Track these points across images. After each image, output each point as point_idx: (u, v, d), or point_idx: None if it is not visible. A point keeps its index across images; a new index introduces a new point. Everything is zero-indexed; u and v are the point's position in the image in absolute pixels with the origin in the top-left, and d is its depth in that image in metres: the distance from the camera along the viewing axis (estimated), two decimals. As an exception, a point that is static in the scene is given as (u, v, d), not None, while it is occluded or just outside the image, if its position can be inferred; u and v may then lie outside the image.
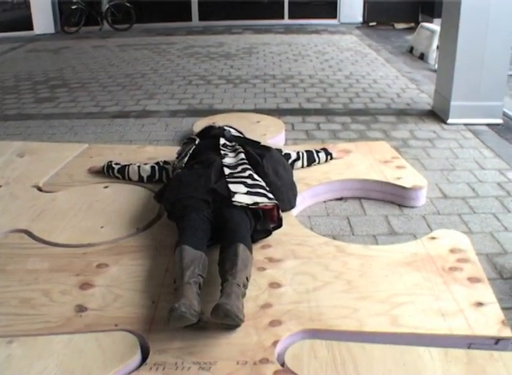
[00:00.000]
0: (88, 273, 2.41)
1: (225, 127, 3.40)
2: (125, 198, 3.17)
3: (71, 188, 3.34)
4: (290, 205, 2.99)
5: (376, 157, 3.67)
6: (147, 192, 3.21)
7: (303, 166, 3.47)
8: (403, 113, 5.26)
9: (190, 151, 3.05)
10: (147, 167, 3.37)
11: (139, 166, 3.39)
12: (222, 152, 2.98)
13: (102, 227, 2.83)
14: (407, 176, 3.38)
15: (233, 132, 3.39)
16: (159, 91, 6.40)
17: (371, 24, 12.34)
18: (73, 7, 11.58)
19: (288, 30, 11.59)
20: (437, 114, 5.11)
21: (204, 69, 7.62)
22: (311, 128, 4.83)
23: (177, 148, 3.44)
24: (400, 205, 3.29)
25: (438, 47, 6.47)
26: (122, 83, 6.81)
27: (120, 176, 3.40)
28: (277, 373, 1.82)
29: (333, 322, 2.06)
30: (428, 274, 2.34)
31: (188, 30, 11.83)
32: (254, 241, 2.55)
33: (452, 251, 2.51)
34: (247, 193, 2.63)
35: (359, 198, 3.39)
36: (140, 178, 3.36)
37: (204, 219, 2.48)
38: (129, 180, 3.38)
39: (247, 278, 2.17)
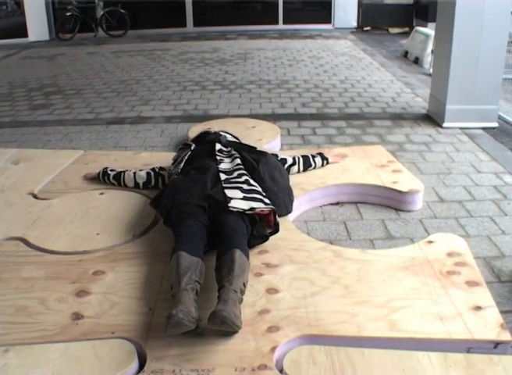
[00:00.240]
0: (84, 280, 2.39)
1: (221, 133, 3.39)
2: (121, 204, 3.15)
3: (66, 195, 3.32)
4: (287, 210, 2.99)
5: (372, 161, 3.67)
6: (143, 198, 3.20)
7: (299, 171, 3.47)
8: (399, 117, 5.27)
9: (186, 157, 3.05)
10: (143, 173, 3.36)
11: (134, 173, 3.38)
12: (218, 158, 2.98)
13: (98, 234, 2.81)
14: (404, 180, 3.38)
15: (229, 137, 3.38)
16: (154, 97, 6.40)
17: (365, 29, 12.41)
18: (68, 14, 11.62)
19: (282, 35, 11.63)
20: (432, 118, 5.13)
21: (199, 74, 7.63)
22: (307, 133, 4.83)
23: (173, 154, 3.43)
24: (397, 209, 3.29)
25: (432, 51, 6.49)
26: (116, 90, 6.80)
27: (116, 183, 3.39)
28: (276, 380, 1.80)
29: (331, 327, 2.05)
30: (426, 278, 2.33)
31: (182, 35, 11.87)
32: (251, 246, 2.54)
33: (449, 254, 2.51)
34: (244, 198, 2.62)
35: (355, 203, 3.39)
36: (136, 184, 3.35)
37: (200, 225, 2.47)
38: (125, 187, 3.37)
39: (244, 284, 2.15)
